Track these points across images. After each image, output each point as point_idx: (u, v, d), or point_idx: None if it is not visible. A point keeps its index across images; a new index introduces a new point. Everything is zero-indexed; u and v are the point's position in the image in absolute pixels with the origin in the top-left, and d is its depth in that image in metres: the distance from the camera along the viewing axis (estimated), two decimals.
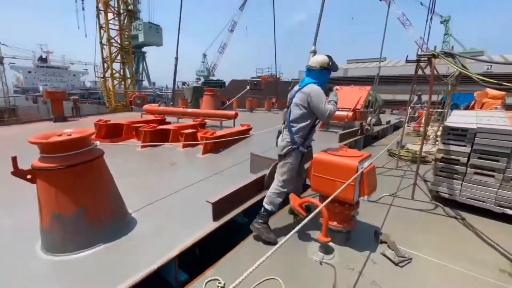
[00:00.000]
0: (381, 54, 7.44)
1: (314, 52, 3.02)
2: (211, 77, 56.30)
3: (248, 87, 14.61)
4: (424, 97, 12.66)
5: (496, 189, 2.86)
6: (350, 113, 7.19)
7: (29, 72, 56.91)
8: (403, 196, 3.43)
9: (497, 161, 2.82)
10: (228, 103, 13.38)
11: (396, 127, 10.60)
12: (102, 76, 19.18)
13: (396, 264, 2.14)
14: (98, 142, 2.30)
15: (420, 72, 3.74)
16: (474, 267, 2.13)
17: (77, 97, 13.04)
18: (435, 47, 3.15)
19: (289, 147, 2.41)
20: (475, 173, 2.98)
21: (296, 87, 2.52)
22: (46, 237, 2.05)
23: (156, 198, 2.98)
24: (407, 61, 3.63)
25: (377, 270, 2.07)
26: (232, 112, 7.43)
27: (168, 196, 3.04)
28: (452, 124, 3.15)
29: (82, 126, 2.28)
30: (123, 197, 2.48)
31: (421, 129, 8.71)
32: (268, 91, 17.65)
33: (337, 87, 8.76)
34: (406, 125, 5.31)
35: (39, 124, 8.80)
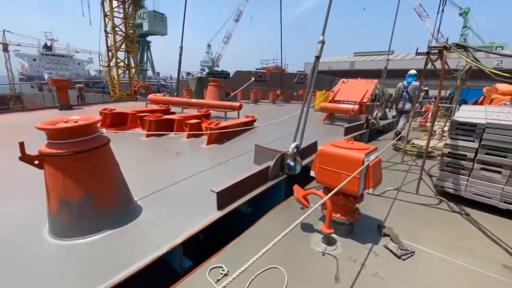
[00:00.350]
0: (389, 46, 7.29)
1: (323, 43, 2.95)
2: (215, 68, 55.85)
3: (253, 78, 14.44)
4: (432, 92, 12.45)
5: (502, 186, 2.82)
6: (356, 106, 7.10)
7: (34, 59, 56.89)
8: (408, 190, 3.41)
9: (505, 157, 2.78)
10: (232, 94, 13.31)
11: None
12: (107, 65, 19.13)
13: (399, 257, 2.15)
14: (104, 130, 2.31)
15: (429, 66, 3.66)
16: (477, 262, 2.13)
17: (82, 85, 13.09)
18: (447, 39, 3.07)
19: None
20: (482, 168, 2.95)
21: (405, 83, 6.27)
22: (53, 222, 2.09)
23: (161, 186, 3.01)
24: (417, 53, 3.55)
25: (380, 263, 2.08)
26: (236, 104, 7.40)
27: (173, 185, 3.07)
28: (460, 119, 3.10)
29: (88, 115, 2.29)
30: (129, 184, 2.51)
31: (428, 124, 8.60)
32: (273, 83, 17.46)
33: (344, 79, 8.64)
34: (412, 119, 5.24)
35: (45, 112, 8.87)
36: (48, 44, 60.74)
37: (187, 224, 2.28)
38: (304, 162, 3.61)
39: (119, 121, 5.98)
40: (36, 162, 1.97)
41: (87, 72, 65.42)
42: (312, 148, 4.17)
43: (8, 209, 2.52)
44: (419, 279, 1.94)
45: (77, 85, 13.01)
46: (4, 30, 40.69)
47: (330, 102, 7.96)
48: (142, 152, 4.55)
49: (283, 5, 11.87)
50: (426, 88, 12.13)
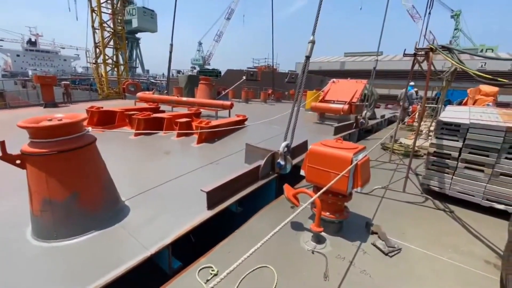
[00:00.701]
0: (378, 48, 7.40)
1: (313, 43, 2.96)
2: (206, 66, 55.36)
3: (244, 77, 14.40)
4: (420, 93, 12.76)
5: (485, 184, 2.93)
6: (346, 106, 7.20)
7: (18, 55, 54.87)
8: (395, 189, 3.49)
9: (487, 156, 2.88)
10: (223, 93, 13.22)
11: (390, 121, 10.71)
12: (94, 61, 18.67)
13: (386, 254, 2.19)
14: (90, 128, 2.25)
15: (416, 67, 3.75)
16: (461, 258, 2.20)
17: (68, 82, 12.71)
18: (433, 40, 3.14)
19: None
20: (466, 167, 3.04)
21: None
22: (37, 223, 2.02)
23: (149, 186, 2.96)
24: (405, 54, 3.63)
25: (368, 260, 2.12)
26: (228, 102, 7.36)
27: (162, 185, 3.02)
28: (445, 119, 3.18)
29: (74, 112, 2.22)
30: (116, 184, 2.45)
31: (415, 123, 8.81)
32: (265, 82, 17.48)
33: (334, 79, 8.74)
34: (399, 119, 5.36)
35: (29, 110, 8.57)
36: (33, 40, 58.70)
37: (176, 224, 2.25)
38: (295, 161, 3.63)
39: (106, 120, 5.85)
40: (18, 161, 1.90)
41: (74, 69, 63.66)
42: (302, 147, 4.20)
43: None
44: (405, 276, 1.98)
45: (63, 82, 12.60)
46: None
47: (320, 101, 8.04)
48: (131, 151, 4.46)
49: (276, 4, 11.88)
50: (415, 89, 12.42)
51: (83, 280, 1.66)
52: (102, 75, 18.42)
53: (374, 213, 2.87)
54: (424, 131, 6.90)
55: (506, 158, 2.79)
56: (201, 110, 7.19)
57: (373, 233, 2.47)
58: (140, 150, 4.56)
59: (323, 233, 2.32)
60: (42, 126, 1.89)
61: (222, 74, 28.46)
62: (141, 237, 2.09)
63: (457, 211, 3.00)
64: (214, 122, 5.42)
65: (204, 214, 2.42)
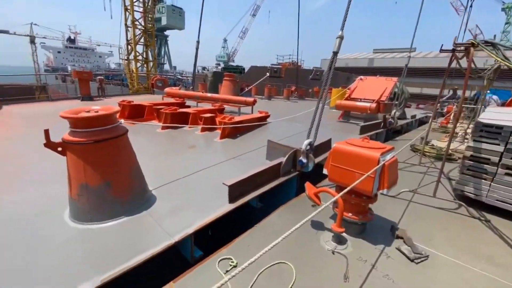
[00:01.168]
0: (411, 44, 6.98)
1: (341, 38, 2.87)
2: (230, 63, 55.96)
3: (267, 74, 14.35)
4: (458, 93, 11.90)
5: None
6: (374, 105, 6.90)
7: (59, 52, 59.30)
8: (424, 193, 3.30)
9: None
10: (246, 90, 13.31)
11: (421, 122, 10.10)
12: (126, 58, 19.63)
13: (412, 260, 2.09)
14: (122, 120, 2.39)
15: (453, 64, 3.49)
16: (496, 270, 2.04)
17: (102, 77, 13.53)
18: (476, 35, 2.90)
19: None
20: (507, 174, 2.80)
21: None
22: (74, 206, 2.20)
23: (175, 177, 3.08)
24: (442, 50, 3.38)
25: (391, 265, 2.04)
26: (250, 99, 7.39)
27: (186, 177, 3.14)
28: (486, 121, 2.94)
29: (108, 105, 2.37)
30: (144, 174, 2.59)
31: (449, 125, 8.24)
32: (288, 79, 17.27)
33: (361, 77, 8.41)
34: (432, 120, 5.03)
35: (68, 102, 9.26)
36: (72, 37, 63.02)
37: (199, 215, 2.33)
38: (317, 160, 3.57)
39: (136, 113, 6.16)
40: (59, 149, 2.07)
41: (107, 65, 67.47)
42: (325, 145, 4.11)
43: (33, 193, 2.67)
44: (432, 284, 1.88)
45: (98, 77, 13.44)
46: (31, 23, 42.69)
47: (346, 99, 7.78)
48: (158, 143, 4.67)
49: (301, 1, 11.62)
50: (455, 87, 11.59)
51: (114, 261, 1.79)
52: (133, 71, 19.33)
53: (400, 217, 2.74)
54: (459, 134, 6.43)
55: None
56: (225, 106, 7.30)
57: (398, 237, 2.37)
58: (167, 143, 4.76)
59: (344, 234, 2.27)
60: (81, 117, 2.04)
61: (246, 70, 28.60)
62: (166, 225, 2.20)
63: (494, 220, 2.77)
64: (237, 118, 5.49)
65: (225, 207, 2.48)
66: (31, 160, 3.56)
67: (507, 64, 2.47)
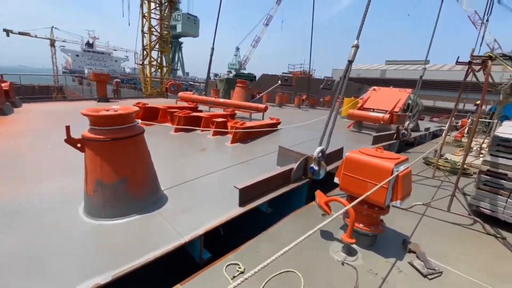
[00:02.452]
0: (427, 55, 6.92)
1: (357, 47, 2.89)
2: (242, 71, 56.70)
3: (279, 82, 14.47)
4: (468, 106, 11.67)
5: None
6: (387, 115, 6.83)
7: (77, 55, 61.53)
8: (438, 207, 3.21)
9: None
10: (258, 97, 13.43)
11: (435, 135, 9.88)
12: (141, 63, 20.22)
13: (425, 276, 2.03)
14: (139, 121, 2.46)
15: (469, 78, 3.44)
16: None
17: (119, 80, 13.96)
18: (493, 49, 2.87)
19: None
20: None
21: None
22: (89, 202, 2.26)
23: (186, 179, 3.12)
24: (458, 62, 3.35)
25: (403, 279, 1.99)
26: (262, 105, 7.45)
27: (197, 179, 3.17)
28: (503, 135, 2.87)
29: (127, 105, 2.46)
30: (157, 174, 2.63)
31: (463, 139, 8.04)
32: (299, 87, 17.36)
33: (375, 87, 8.37)
34: (446, 133, 4.93)
35: (84, 103, 9.57)
36: (90, 42, 65.44)
37: (209, 217, 2.34)
38: (329, 168, 3.54)
39: (151, 115, 6.30)
40: (79, 145, 2.15)
41: (123, 69, 69.50)
42: (337, 154, 4.08)
43: (50, 186, 2.76)
44: None
45: (114, 80, 13.88)
46: (52, 27, 44.66)
47: (359, 109, 7.74)
48: (171, 145, 4.76)
49: (315, 8, 11.75)
50: (477, 102, 11.43)
51: (125, 258, 1.81)
52: (147, 76, 19.86)
53: (413, 231, 2.68)
54: (474, 148, 6.26)
55: None
56: (236, 111, 7.38)
57: (410, 251, 2.31)
58: (179, 145, 4.84)
59: (354, 245, 2.23)
60: (101, 115, 2.12)
61: (257, 78, 28.92)
62: (176, 225, 2.22)
63: (510, 237, 2.67)
64: (248, 124, 5.53)
65: (235, 210, 2.48)
66: (51, 155, 3.68)
67: None
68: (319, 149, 3.17)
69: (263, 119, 7.22)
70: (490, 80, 3.06)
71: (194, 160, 3.98)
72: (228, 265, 1.96)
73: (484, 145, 6.09)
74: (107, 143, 2.10)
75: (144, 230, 2.15)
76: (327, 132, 3.15)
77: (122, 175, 2.19)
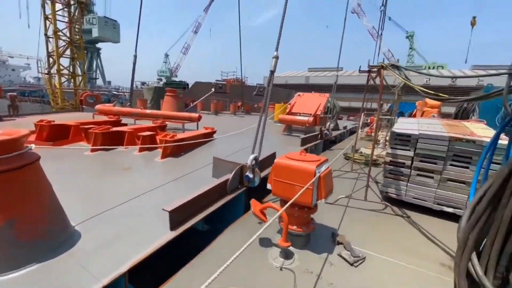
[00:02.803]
0: (338, 64, 7.95)
1: (276, 58, 3.06)
2: (173, 78, 54.26)
3: (213, 89, 14.36)
4: (371, 105, 13.91)
5: (435, 189, 3.20)
6: (311, 118, 7.50)
7: None
8: (357, 197, 3.64)
9: (435, 163, 3.17)
10: (192, 105, 12.99)
11: (352, 132, 11.38)
12: (47, 72, 17.19)
13: (351, 264, 2.23)
14: (33, 145, 2.00)
15: (371, 82, 4.07)
16: (418, 261, 2.33)
17: (15, 94, 11.51)
18: (383, 59, 3.45)
19: None
20: (418, 174, 3.30)
21: None
22: None
23: (106, 207, 2.69)
24: (360, 71, 3.91)
25: (334, 272, 2.14)
26: (195, 115, 7.20)
27: (120, 205, 2.78)
28: (398, 130, 3.46)
29: (19, 127, 1.98)
30: (66, 207, 2.19)
31: (373, 134, 9.48)
32: (233, 94, 17.64)
33: (299, 93, 9.11)
34: (359, 130, 5.72)
35: None
36: None
37: (135, 248, 2.06)
38: (263, 174, 3.62)
39: (59, 134, 5.32)
40: None
41: (23, 79, 57.96)
42: (270, 159, 4.21)
43: None
44: (370, 284, 2.03)
45: (9, 94, 11.36)
46: None
47: (287, 114, 8.28)
48: (86, 168, 4.08)
49: (242, 18, 12.15)
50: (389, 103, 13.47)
51: None
52: (56, 86, 16.98)
53: (339, 223, 2.94)
54: (381, 141, 7.43)
55: (451, 165, 3.09)
56: (167, 122, 6.93)
57: (339, 243, 2.52)
58: (97, 167, 4.20)
59: (291, 248, 2.30)
60: None
61: (190, 86, 28.11)
62: (93, 266, 1.87)
63: (413, 215, 3.21)
64: (180, 135, 5.23)
65: (166, 235, 2.25)
66: None
67: (407, 82, 2.98)
68: (252, 156, 3.21)
69: (197, 129, 6.98)
70: (384, 83, 3.67)
71: (115, 183, 3.49)
72: None
73: (388, 138, 7.31)
74: None
75: (48, 281, 1.74)
76: (258, 139, 3.22)
77: (9, 216, 1.73)
